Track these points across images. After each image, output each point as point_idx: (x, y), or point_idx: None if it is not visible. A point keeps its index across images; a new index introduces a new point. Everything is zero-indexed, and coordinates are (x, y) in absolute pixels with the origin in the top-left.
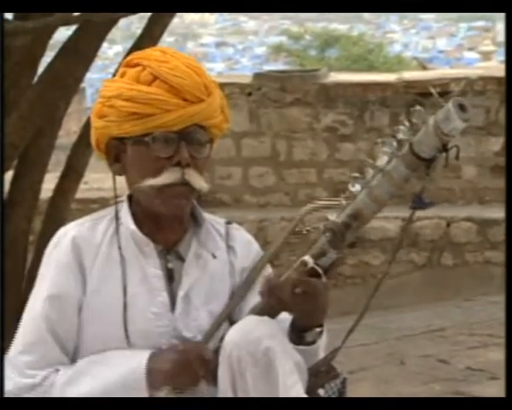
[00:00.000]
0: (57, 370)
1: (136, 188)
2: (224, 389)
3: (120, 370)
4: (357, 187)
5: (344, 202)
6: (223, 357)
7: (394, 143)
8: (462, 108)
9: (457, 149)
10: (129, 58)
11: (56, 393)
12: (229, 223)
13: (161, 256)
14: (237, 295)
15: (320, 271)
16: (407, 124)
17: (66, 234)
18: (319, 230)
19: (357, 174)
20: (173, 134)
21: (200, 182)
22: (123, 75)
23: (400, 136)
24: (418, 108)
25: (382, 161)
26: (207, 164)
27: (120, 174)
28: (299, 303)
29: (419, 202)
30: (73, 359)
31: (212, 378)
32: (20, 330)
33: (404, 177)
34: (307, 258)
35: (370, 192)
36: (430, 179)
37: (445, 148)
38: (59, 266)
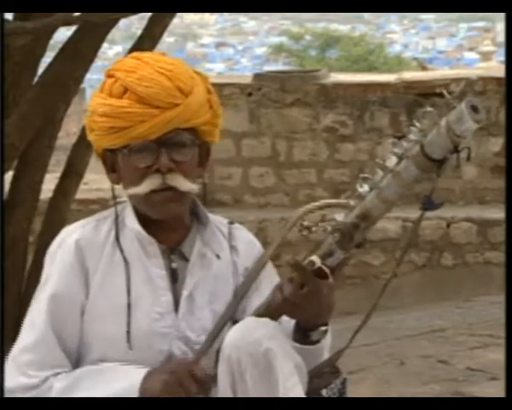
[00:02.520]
0: (57, 374)
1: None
2: (224, 391)
3: (115, 387)
4: (366, 188)
5: (343, 202)
6: (222, 358)
7: (405, 144)
8: (474, 109)
9: (469, 150)
10: (109, 68)
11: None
12: (231, 223)
13: (165, 256)
14: (239, 295)
15: (327, 271)
16: (418, 125)
17: (70, 235)
18: (327, 230)
19: (365, 175)
20: (152, 142)
21: (185, 184)
22: (102, 88)
23: (411, 137)
24: (429, 109)
25: (392, 161)
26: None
27: (117, 183)
28: (305, 303)
29: (429, 203)
30: (76, 361)
31: (212, 380)
32: (23, 328)
33: (414, 178)
34: (315, 258)
35: (379, 193)
36: (437, 180)
37: (456, 149)
38: (63, 267)
